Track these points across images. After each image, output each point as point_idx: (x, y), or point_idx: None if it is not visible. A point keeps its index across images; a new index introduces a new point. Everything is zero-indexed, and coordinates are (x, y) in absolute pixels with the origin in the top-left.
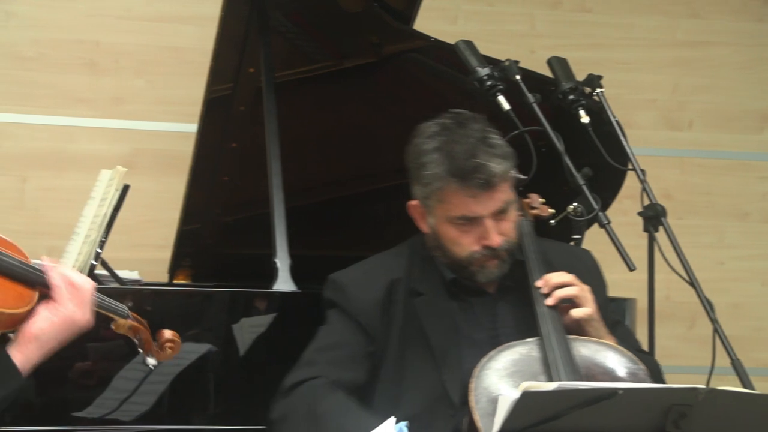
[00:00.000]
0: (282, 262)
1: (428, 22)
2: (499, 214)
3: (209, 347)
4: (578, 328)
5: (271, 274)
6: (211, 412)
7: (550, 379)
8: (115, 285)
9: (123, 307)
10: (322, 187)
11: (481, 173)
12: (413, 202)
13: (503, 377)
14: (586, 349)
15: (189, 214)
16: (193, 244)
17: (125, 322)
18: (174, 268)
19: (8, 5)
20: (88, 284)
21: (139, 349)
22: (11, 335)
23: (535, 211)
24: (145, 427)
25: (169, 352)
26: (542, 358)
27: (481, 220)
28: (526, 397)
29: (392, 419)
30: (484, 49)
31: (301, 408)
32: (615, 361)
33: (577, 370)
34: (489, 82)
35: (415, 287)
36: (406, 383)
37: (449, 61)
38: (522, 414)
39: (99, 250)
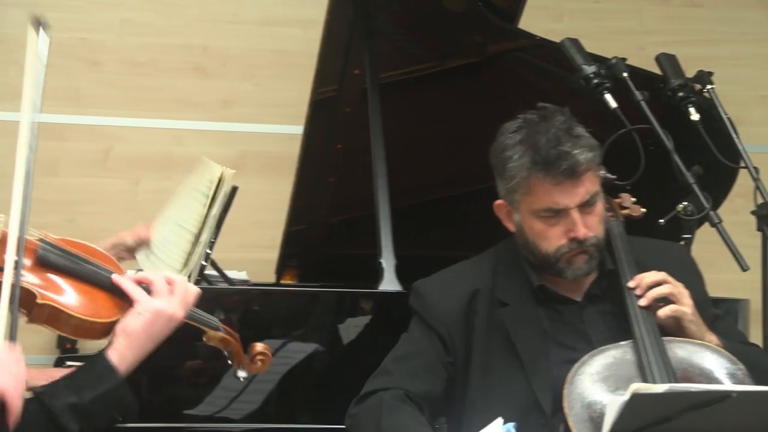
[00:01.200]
0: (387, 262)
1: (533, 21)
2: (586, 207)
3: (316, 347)
4: (676, 327)
5: (377, 274)
6: (317, 411)
7: (645, 382)
8: (224, 285)
9: (214, 320)
10: (428, 188)
11: (565, 160)
12: (499, 202)
13: (596, 382)
14: (682, 351)
15: (295, 215)
16: (299, 245)
17: (216, 334)
18: (281, 269)
19: (122, 12)
20: (175, 278)
21: (229, 361)
22: None
23: (626, 211)
24: (254, 426)
25: (259, 365)
26: (636, 361)
27: (567, 212)
28: (636, 399)
29: (500, 420)
30: (591, 47)
31: (367, 420)
32: (713, 362)
33: (672, 373)
34: (595, 80)
35: (499, 297)
36: (496, 394)
37: (555, 59)
38: (631, 416)
39: (209, 251)
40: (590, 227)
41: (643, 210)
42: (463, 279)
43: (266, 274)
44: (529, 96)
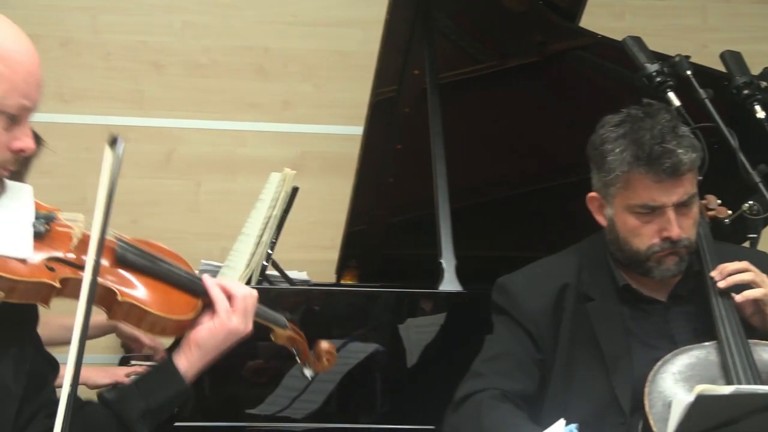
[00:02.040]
0: (447, 262)
1: (594, 19)
2: (682, 208)
3: (376, 347)
4: (756, 312)
5: (437, 275)
6: (378, 411)
7: (729, 384)
8: (286, 285)
9: (282, 318)
10: (487, 188)
11: (669, 158)
12: (592, 194)
13: (679, 381)
14: None
15: (355, 215)
16: (359, 245)
17: (284, 332)
18: (341, 269)
19: (184, 15)
20: (250, 294)
21: (297, 359)
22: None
23: (712, 213)
24: (315, 425)
25: (325, 364)
26: (720, 362)
27: (663, 210)
28: (702, 400)
29: (562, 421)
30: (653, 45)
31: (468, 422)
32: None
33: (758, 375)
34: (658, 79)
35: (585, 292)
36: (575, 389)
37: (616, 58)
38: (696, 418)
39: (270, 252)
40: (684, 228)
41: (729, 212)
42: (550, 275)
43: (326, 275)
44: (590, 95)
